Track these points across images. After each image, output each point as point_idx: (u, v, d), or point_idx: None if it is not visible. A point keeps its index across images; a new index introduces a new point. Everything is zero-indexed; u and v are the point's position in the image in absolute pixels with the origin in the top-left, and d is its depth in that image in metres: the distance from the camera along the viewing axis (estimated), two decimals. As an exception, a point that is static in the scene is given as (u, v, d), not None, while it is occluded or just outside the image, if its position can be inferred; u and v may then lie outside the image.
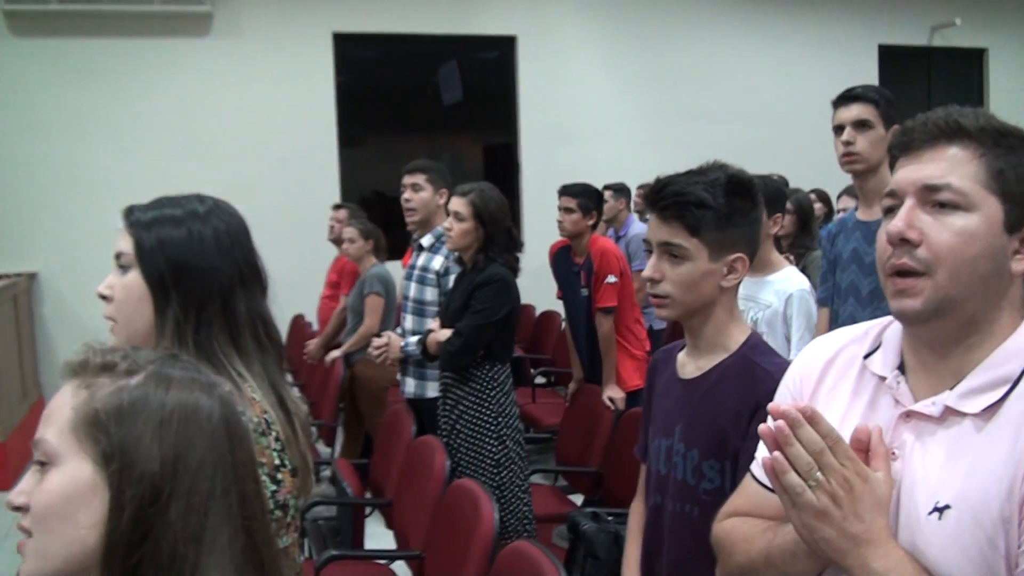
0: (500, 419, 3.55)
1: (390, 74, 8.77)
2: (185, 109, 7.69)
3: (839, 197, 5.66)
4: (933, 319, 1.16)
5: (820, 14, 9.87)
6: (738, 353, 1.85)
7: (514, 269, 3.63)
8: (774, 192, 3.17)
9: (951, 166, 1.15)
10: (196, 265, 1.50)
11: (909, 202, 1.17)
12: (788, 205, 4.12)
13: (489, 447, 3.54)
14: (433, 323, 3.78)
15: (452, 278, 3.86)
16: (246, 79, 7.84)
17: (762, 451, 1.38)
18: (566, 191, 4.67)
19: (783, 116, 9.37)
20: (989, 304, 1.16)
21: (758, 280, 3.17)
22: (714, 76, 9.36)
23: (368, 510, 3.95)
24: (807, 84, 9.44)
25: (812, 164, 8.38)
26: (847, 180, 6.34)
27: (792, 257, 3.87)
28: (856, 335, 1.34)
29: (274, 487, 1.48)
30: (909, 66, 10.49)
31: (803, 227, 4.75)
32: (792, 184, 5.91)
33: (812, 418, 1.11)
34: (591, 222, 4.70)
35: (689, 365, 1.92)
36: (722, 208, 1.79)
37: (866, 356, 1.29)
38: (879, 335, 1.30)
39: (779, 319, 3.16)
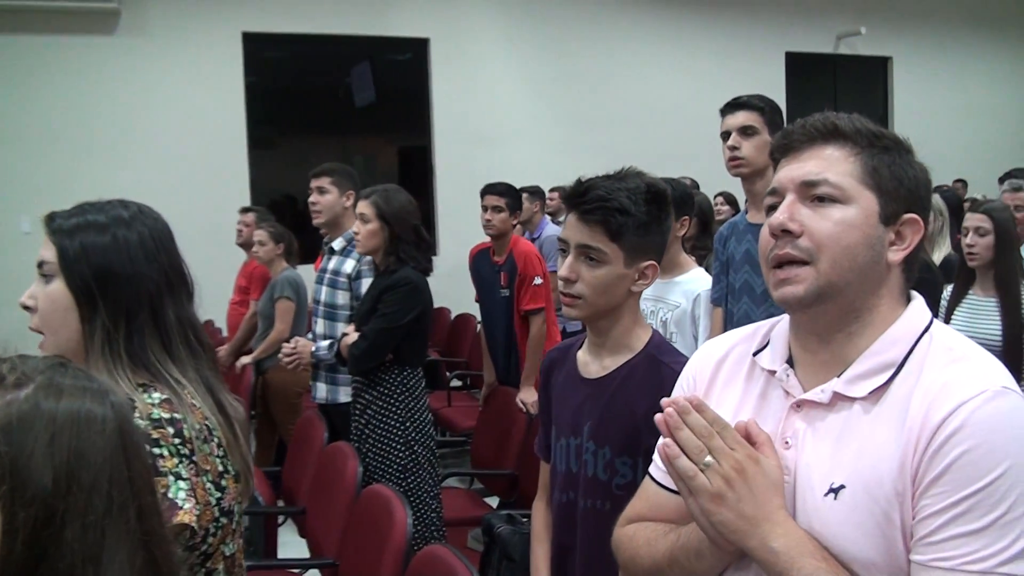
0: (409, 424, 3.53)
1: (301, 75, 8.64)
2: (90, 109, 7.47)
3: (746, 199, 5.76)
4: (815, 305, 1.21)
5: (729, 21, 10.07)
6: (643, 352, 1.90)
7: (426, 270, 3.59)
8: (682, 195, 3.23)
9: (828, 163, 1.23)
10: (123, 272, 1.47)
11: (790, 197, 1.23)
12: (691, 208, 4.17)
13: (397, 452, 3.51)
14: (347, 327, 3.73)
15: (365, 282, 3.82)
16: (153, 79, 7.65)
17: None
18: (493, 190, 4.67)
19: (693, 120, 9.49)
20: (868, 292, 1.22)
21: (667, 281, 3.22)
22: (626, 81, 9.47)
23: (281, 519, 3.89)
24: (716, 89, 9.54)
25: (721, 168, 8.54)
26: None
27: (694, 258, 3.94)
28: (746, 335, 1.41)
29: (219, 494, 1.45)
30: (816, 73, 10.77)
31: (704, 229, 4.82)
32: (701, 187, 6.03)
33: (699, 407, 1.18)
34: (515, 222, 4.72)
35: (593, 364, 1.94)
36: (642, 216, 1.83)
37: (755, 353, 1.35)
38: (768, 333, 1.36)
39: (687, 319, 3.21)
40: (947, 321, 3.54)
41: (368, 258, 3.75)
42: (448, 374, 6.46)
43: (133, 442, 1.05)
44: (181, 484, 1.39)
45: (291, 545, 3.92)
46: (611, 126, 9.11)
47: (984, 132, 11.64)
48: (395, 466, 3.51)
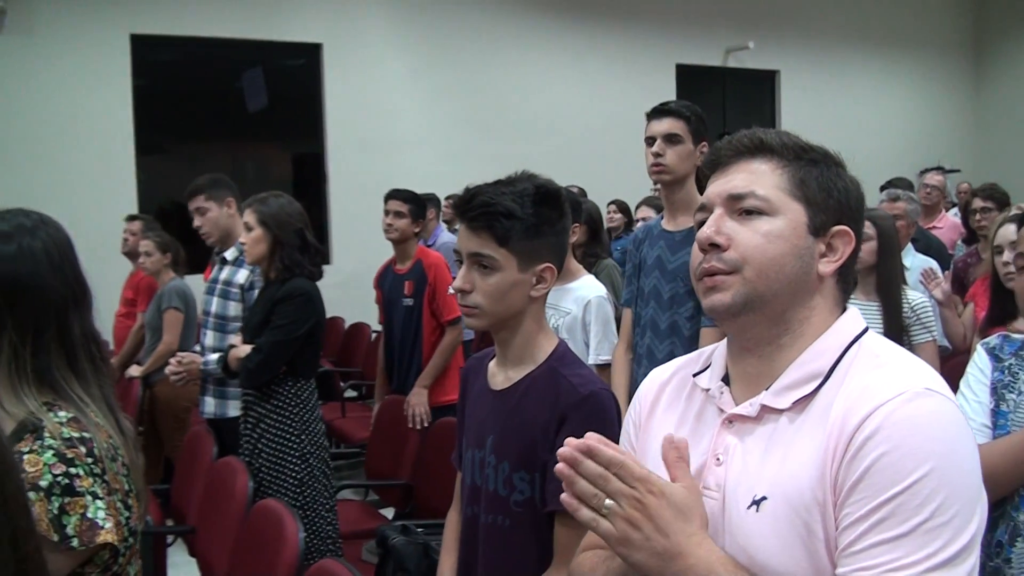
0: (303, 437, 3.47)
1: (192, 79, 8.41)
2: (-30, 111, 7.17)
3: (638, 207, 5.88)
4: (743, 314, 1.21)
5: (621, 33, 10.24)
6: (545, 364, 1.86)
7: (314, 276, 3.53)
8: (572, 202, 3.25)
9: (755, 177, 1.23)
10: (30, 284, 1.42)
11: (717, 211, 1.24)
12: (580, 216, 4.24)
13: (292, 466, 3.45)
14: (235, 338, 3.66)
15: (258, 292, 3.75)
16: (38, 80, 7.37)
17: None
18: (398, 195, 4.62)
19: (586, 130, 9.66)
20: (799, 303, 1.22)
21: (559, 288, 3.25)
22: (520, 90, 9.54)
23: (170, 538, 3.78)
24: (608, 100, 9.79)
25: (613, 176, 8.71)
26: (646, 192, 6.64)
27: (584, 266, 4.00)
28: (691, 359, 1.40)
29: (127, 513, 1.41)
30: (705, 85, 11.03)
31: (594, 236, 4.89)
32: (594, 195, 6.11)
33: (590, 451, 1.11)
34: (417, 230, 4.69)
35: (499, 376, 1.92)
36: (530, 218, 1.80)
37: (696, 374, 1.35)
38: (709, 356, 1.36)
39: (579, 325, 3.26)
40: None
41: (258, 268, 3.68)
42: (342, 384, 6.39)
43: (6, 464, 1.01)
44: (99, 503, 1.36)
45: (181, 566, 3.82)
46: (506, 134, 9.17)
47: (868, 143, 12.07)
48: (290, 480, 3.45)
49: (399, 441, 4.20)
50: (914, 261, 4.42)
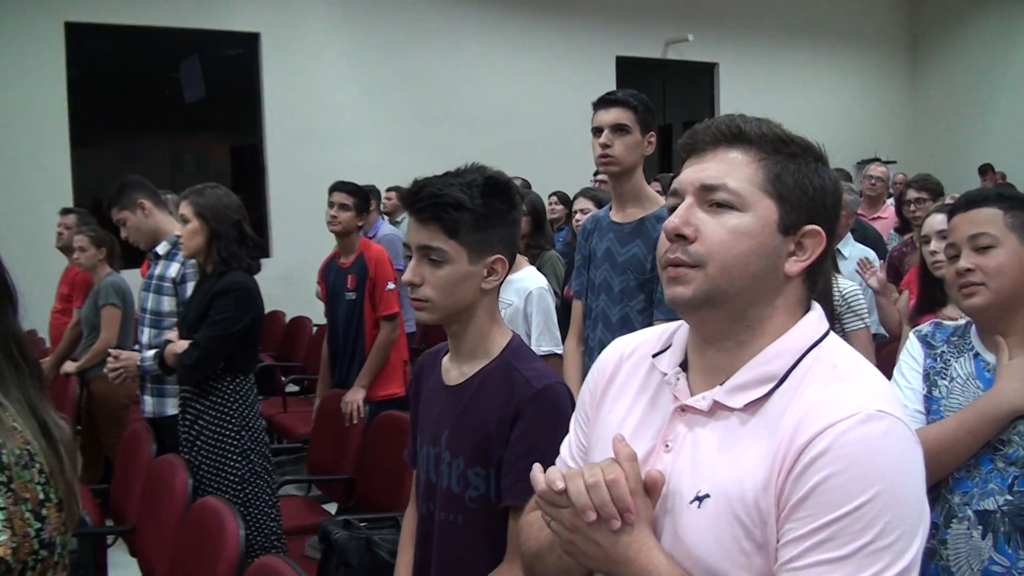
0: (243, 433, 3.43)
1: (128, 69, 8.28)
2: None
3: (575, 199, 5.89)
4: (704, 308, 1.19)
5: (562, 25, 10.27)
6: (499, 358, 1.84)
7: (251, 269, 3.49)
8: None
9: (730, 168, 1.19)
10: None
11: (688, 200, 1.20)
12: (523, 207, 4.24)
13: (232, 463, 3.41)
14: (171, 333, 3.61)
15: (190, 286, 3.70)
16: (-31, 70, 7.19)
17: (564, 448, 1.43)
18: (343, 188, 4.57)
19: (527, 121, 9.68)
20: (761, 301, 1.19)
21: None
22: (461, 81, 9.53)
23: (110, 539, 3.72)
24: (549, 92, 9.82)
25: (554, 168, 8.74)
26: (585, 182, 6.67)
27: (528, 257, 4.00)
28: (653, 335, 1.38)
29: (39, 524, 1.36)
30: (646, 77, 11.11)
31: (537, 228, 4.90)
32: (536, 187, 6.11)
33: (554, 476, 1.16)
34: (361, 223, 4.65)
35: (453, 371, 1.90)
36: (479, 209, 1.77)
37: (656, 355, 1.32)
38: (671, 336, 1.33)
39: (520, 316, 3.26)
40: None
41: (193, 261, 3.63)
42: (283, 379, 6.33)
43: None
44: None
45: (122, 566, 3.75)
46: (448, 126, 9.15)
47: (808, 134, 12.10)
48: (231, 477, 3.41)
49: (341, 435, 4.17)
50: (852, 251, 4.49)
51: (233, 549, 2.51)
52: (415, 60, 9.28)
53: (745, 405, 1.16)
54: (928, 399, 1.96)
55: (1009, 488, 1.79)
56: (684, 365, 1.27)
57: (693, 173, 1.21)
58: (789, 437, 1.10)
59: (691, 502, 1.15)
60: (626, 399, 1.32)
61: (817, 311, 1.25)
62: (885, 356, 4.11)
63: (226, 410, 3.42)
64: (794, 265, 1.20)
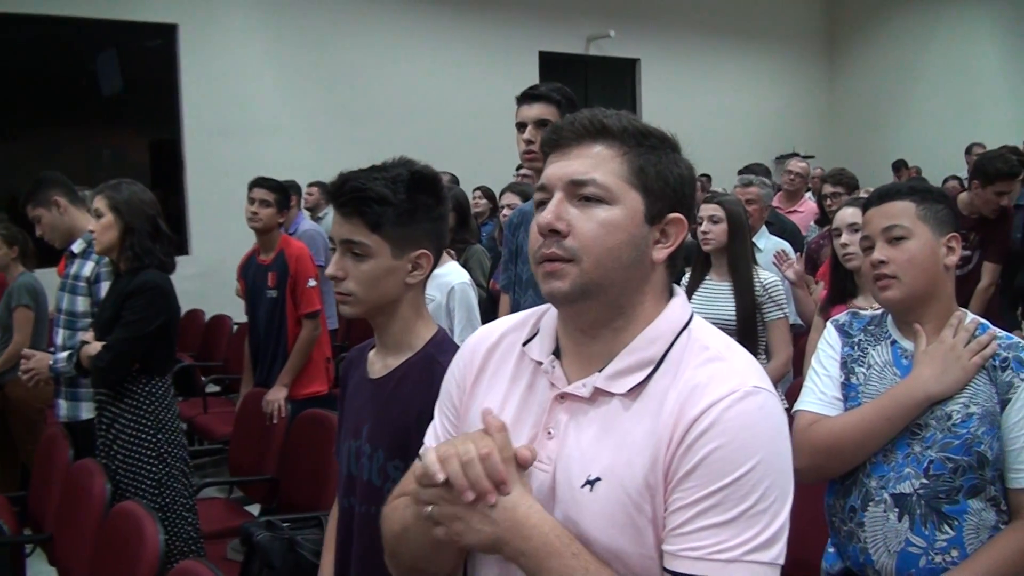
0: (160, 436, 3.37)
1: (43, 61, 8.00)
2: None
3: (502, 194, 5.90)
4: (580, 301, 1.22)
5: (484, 20, 10.27)
6: (423, 351, 1.85)
7: (166, 266, 3.42)
8: None
9: (596, 162, 1.23)
10: None
11: (558, 196, 1.23)
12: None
13: (150, 467, 3.35)
14: (85, 335, 3.51)
15: (104, 286, 3.63)
16: None
17: (430, 438, 1.44)
18: (264, 184, 4.51)
19: (451, 116, 9.66)
20: (633, 290, 1.24)
21: None
22: (383, 75, 9.46)
23: (28, 547, 3.62)
24: (472, 86, 9.82)
25: (478, 162, 8.74)
26: (509, 177, 6.68)
27: (453, 252, 3.99)
28: (516, 322, 1.41)
29: None
30: (568, 73, 11.16)
31: (462, 222, 4.89)
32: (461, 181, 6.10)
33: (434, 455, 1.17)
34: (282, 220, 4.60)
35: (377, 364, 1.90)
36: (404, 204, 1.77)
37: (525, 343, 1.35)
38: (537, 322, 1.37)
39: (442, 312, 3.24)
40: None
41: (107, 260, 3.54)
42: (204, 379, 6.22)
43: None
44: None
45: (41, 575, 3.66)
46: (370, 120, 9.08)
47: (726, 130, 12.48)
48: (149, 481, 3.34)
49: (263, 435, 4.12)
50: (768, 243, 4.58)
51: (153, 554, 2.49)
52: (337, 53, 9.19)
53: (628, 390, 1.22)
54: (846, 386, 2.01)
55: (925, 472, 1.85)
56: (557, 352, 1.31)
57: (560, 169, 1.24)
58: (674, 417, 1.17)
59: (582, 486, 1.19)
60: (500, 388, 1.34)
61: (680, 295, 1.31)
62: (803, 345, 4.20)
63: (142, 413, 3.35)
64: (660, 252, 1.25)
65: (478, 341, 1.42)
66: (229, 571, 2.28)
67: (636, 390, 1.22)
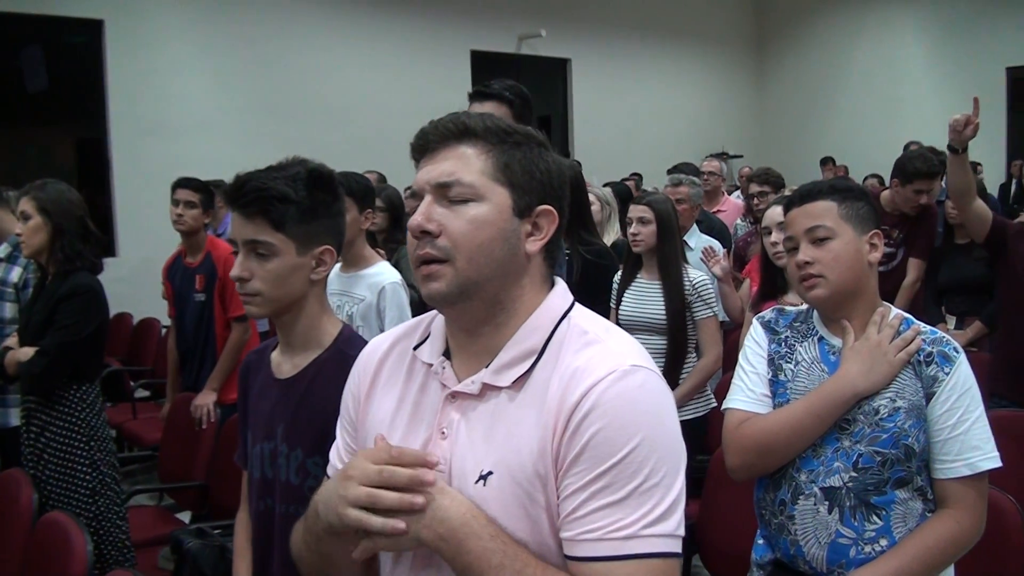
0: (92, 444, 3.31)
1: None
2: None
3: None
4: (460, 301, 1.25)
5: (416, 18, 10.23)
6: (332, 348, 1.88)
7: (94, 267, 3.36)
8: (364, 188, 3.21)
9: (461, 163, 1.26)
10: None
11: (427, 198, 1.27)
12: (379, 202, 4.21)
13: (82, 476, 3.29)
14: (11, 340, 3.42)
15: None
16: None
17: (334, 456, 1.46)
18: (187, 184, 4.44)
19: (383, 115, 9.59)
20: (511, 284, 1.27)
21: (352, 275, 3.22)
22: (315, 73, 9.38)
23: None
24: (404, 85, 9.76)
25: (410, 162, 8.64)
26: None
27: (384, 252, 3.97)
28: (407, 329, 1.45)
29: None
30: (500, 72, 11.12)
31: (395, 222, 4.87)
32: (392, 181, 6.07)
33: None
34: (207, 220, 4.53)
35: (285, 364, 1.91)
36: (304, 201, 1.80)
37: (416, 347, 1.38)
38: (428, 326, 1.40)
39: (373, 312, 3.22)
40: (618, 302, 3.79)
41: (34, 264, 3.46)
42: (132, 384, 6.09)
43: None
44: None
45: (-33, 591, 3.55)
46: (301, 119, 9.00)
47: (656, 130, 12.62)
48: (82, 490, 3.28)
49: (192, 441, 4.04)
50: (699, 242, 4.65)
51: (81, 566, 2.44)
52: (267, 50, 9.07)
53: (512, 382, 1.25)
54: (774, 383, 2.04)
55: (854, 465, 1.89)
56: (447, 353, 1.34)
57: (427, 173, 1.28)
58: (557, 403, 1.20)
59: (476, 482, 1.22)
60: (394, 394, 1.37)
61: (560, 285, 1.35)
62: (732, 342, 4.26)
63: (73, 420, 3.29)
64: (533, 245, 1.28)
65: (371, 352, 1.45)
66: (158, 580, 2.24)
67: (521, 381, 1.24)
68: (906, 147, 9.74)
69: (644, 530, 1.15)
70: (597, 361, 1.20)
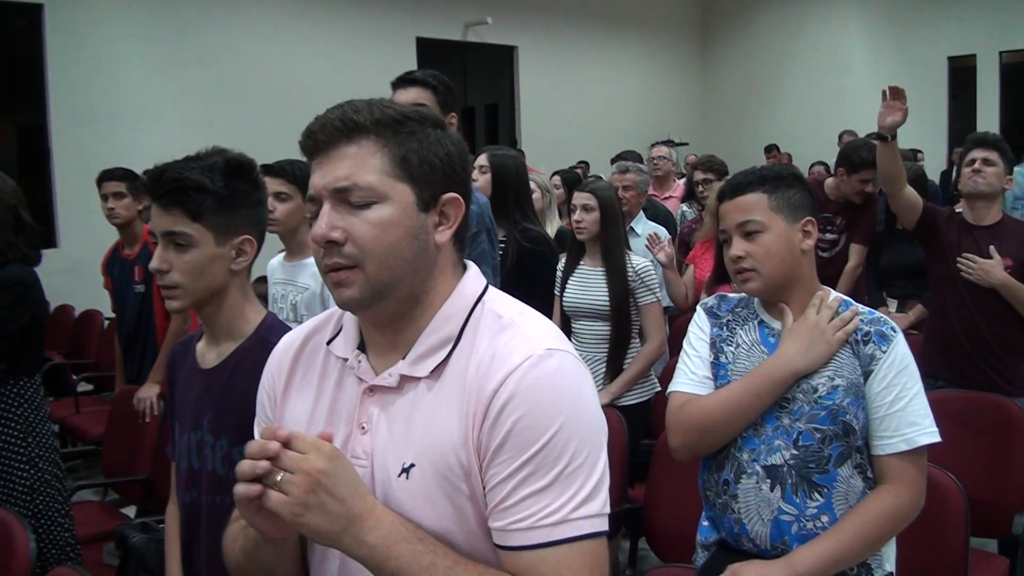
0: (31, 440, 3.24)
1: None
2: None
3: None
4: (374, 304, 1.22)
5: (361, 5, 10.17)
6: (255, 336, 1.87)
7: (30, 259, 3.28)
8: (307, 175, 3.18)
9: (356, 164, 1.20)
10: None
11: (327, 205, 1.21)
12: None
13: (20, 473, 3.22)
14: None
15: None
16: None
17: None
18: (112, 176, 4.39)
19: (328, 102, 9.12)
20: (423, 278, 1.24)
21: (296, 264, 3.21)
22: (259, 60, 9.27)
23: None
24: (349, 71, 9.69)
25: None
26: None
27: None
28: (319, 323, 1.41)
29: None
30: (446, 59, 11.16)
31: None
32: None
33: (267, 431, 1.13)
34: (141, 207, 4.45)
35: (209, 354, 1.91)
36: (222, 191, 1.79)
37: (329, 341, 1.35)
38: (340, 320, 1.37)
39: (317, 300, 3.21)
40: (562, 289, 3.81)
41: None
42: (75, 377, 5.98)
43: None
44: None
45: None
46: (245, 106, 8.91)
47: (602, 117, 12.67)
48: (20, 487, 3.21)
49: (136, 434, 3.99)
50: (645, 228, 4.68)
51: (24, 564, 2.39)
52: (211, 36, 8.94)
53: (431, 372, 1.23)
54: (716, 365, 2.08)
55: (794, 443, 1.93)
56: (361, 346, 1.31)
57: (322, 178, 1.21)
58: (475, 391, 1.18)
59: (399, 475, 1.21)
60: (310, 391, 1.35)
61: (473, 269, 1.32)
62: (678, 328, 4.30)
63: (11, 416, 3.22)
64: (442, 235, 1.25)
65: (284, 348, 1.42)
66: (105, 576, 2.21)
67: (439, 370, 1.23)
68: (840, 136, 9.93)
69: (573, 513, 1.15)
70: (513, 347, 1.19)
